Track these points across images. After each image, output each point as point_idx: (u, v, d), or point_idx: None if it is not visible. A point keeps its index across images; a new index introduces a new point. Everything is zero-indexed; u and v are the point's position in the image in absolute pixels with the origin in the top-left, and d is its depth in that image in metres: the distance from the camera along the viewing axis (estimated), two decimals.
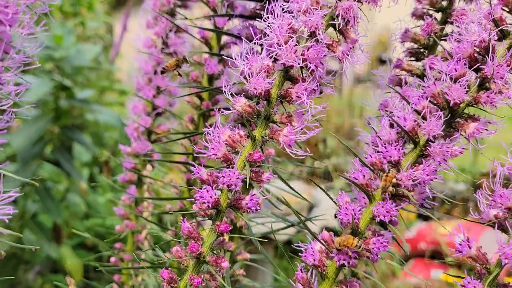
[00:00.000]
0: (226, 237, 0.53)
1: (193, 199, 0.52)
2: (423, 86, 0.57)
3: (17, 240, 2.06)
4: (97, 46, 2.98)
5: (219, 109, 0.54)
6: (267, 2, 0.65)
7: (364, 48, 0.55)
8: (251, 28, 0.67)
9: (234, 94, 0.54)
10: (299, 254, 0.58)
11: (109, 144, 3.16)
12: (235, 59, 0.53)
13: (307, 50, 0.50)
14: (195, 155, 0.53)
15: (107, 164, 3.01)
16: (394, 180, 0.53)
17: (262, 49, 0.53)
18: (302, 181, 3.60)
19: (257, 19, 0.68)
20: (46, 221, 2.31)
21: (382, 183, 0.53)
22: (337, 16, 0.51)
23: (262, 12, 0.68)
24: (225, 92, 0.54)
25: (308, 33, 0.51)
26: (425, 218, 3.45)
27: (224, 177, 0.50)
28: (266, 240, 0.68)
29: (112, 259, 0.95)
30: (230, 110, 0.55)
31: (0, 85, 0.39)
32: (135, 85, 0.94)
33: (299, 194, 0.66)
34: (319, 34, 0.50)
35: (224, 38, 0.83)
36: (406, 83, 0.64)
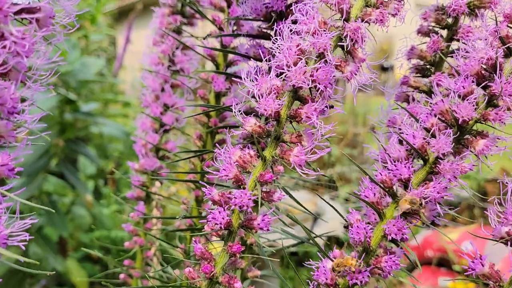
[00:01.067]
0: (238, 257, 0.54)
1: (205, 219, 0.52)
2: (431, 103, 0.57)
3: (23, 254, 2.06)
4: (100, 59, 3.01)
5: (229, 130, 0.55)
6: (274, 22, 0.66)
7: (371, 67, 0.56)
8: (258, 48, 0.68)
9: (243, 113, 0.55)
10: (304, 264, 0.59)
11: (114, 156, 3.18)
12: (244, 80, 0.54)
13: (316, 71, 0.51)
14: (207, 177, 0.53)
15: (112, 175, 3.03)
16: (408, 198, 0.53)
17: (270, 68, 0.54)
18: (307, 190, 3.60)
19: (264, 38, 0.68)
20: (51, 234, 2.32)
21: (403, 205, 0.53)
22: (345, 37, 0.51)
23: (269, 31, 0.69)
24: (235, 112, 0.54)
25: (317, 54, 0.51)
26: (432, 226, 3.42)
27: (236, 198, 0.51)
28: (275, 252, 0.69)
29: (122, 275, 0.96)
30: (239, 129, 0.55)
31: (16, 114, 0.40)
32: (143, 102, 0.94)
33: (306, 209, 0.67)
34: (327, 55, 0.50)
35: (231, 56, 0.84)
36: (413, 99, 0.64)
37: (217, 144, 0.63)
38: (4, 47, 0.35)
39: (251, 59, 0.68)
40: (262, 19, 0.66)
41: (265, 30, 0.68)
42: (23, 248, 0.40)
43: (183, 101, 0.93)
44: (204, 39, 0.74)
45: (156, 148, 0.94)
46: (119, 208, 2.75)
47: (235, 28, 0.81)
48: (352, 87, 0.53)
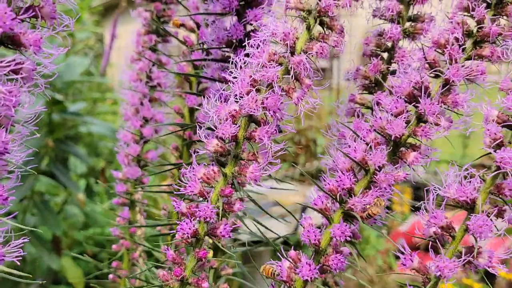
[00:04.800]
0: (206, 260, 0.62)
1: (175, 231, 0.60)
2: (372, 120, 0.66)
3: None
4: (86, 58, 3.05)
5: (194, 151, 0.63)
6: (235, 48, 0.74)
7: (318, 92, 0.64)
8: (222, 71, 0.76)
9: (210, 131, 0.63)
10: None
11: (104, 153, 3.24)
12: (205, 106, 0.62)
13: (266, 100, 0.59)
14: (176, 193, 0.61)
15: (103, 173, 3.09)
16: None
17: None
18: (295, 181, 3.70)
19: (227, 62, 0.76)
20: (45, 233, 2.38)
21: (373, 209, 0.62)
22: (291, 69, 0.59)
23: (231, 55, 0.77)
24: (199, 135, 0.63)
25: (266, 84, 0.59)
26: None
27: (200, 211, 0.59)
28: (240, 252, 0.77)
29: (110, 276, 1.04)
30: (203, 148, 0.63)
31: (7, 153, 0.48)
32: (123, 116, 1.02)
33: (265, 210, 0.75)
34: (274, 86, 0.58)
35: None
36: (358, 115, 0.73)
37: (189, 159, 0.71)
38: None
39: (216, 81, 0.76)
40: (224, 46, 0.74)
41: (228, 54, 0.76)
42: (18, 264, 0.48)
43: (161, 114, 1.01)
44: (176, 62, 0.81)
45: (138, 158, 1.02)
46: (112, 206, 2.82)
47: (204, 47, 0.88)
48: (299, 111, 0.61)
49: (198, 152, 0.64)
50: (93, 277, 1.06)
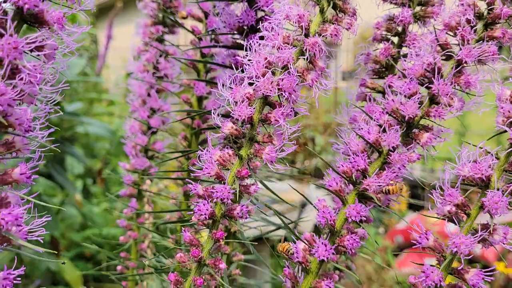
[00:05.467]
0: (222, 242, 0.62)
1: (192, 212, 0.60)
2: (384, 102, 0.66)
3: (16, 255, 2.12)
4: (82, 59, 3.05)
5: (210, 133, 0.63)
6: (246, 34, 0.74)
7: (331, 75, 0.64)
8: (234, 57, 0.76)
9: (222, 117, 0.63)
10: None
11: (101, 154, 3.23)
12: (221, 89, 0.62)
13: (282, 81, 0.59)
14: (192, 175, 0.62)
15: (100, 174, 3.08)
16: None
17: (244, 77, 0.62)
18: (294, 180, 3.70)
19: (238, 48, 0.76)
20: (43, 234, 2.37)
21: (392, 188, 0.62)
22: (305, 51, 0.60)
23: (242, 42, 0.77)
24: (214, 117, 0.63)
25: (282, 66, 0.60)
26: (417, 209, 3.58)
27: (217, 192, 0.59)
28: (256, 243, 0.77)
29: (119, 267, 1.04)
30: (219, 131, 0.64)
31: (30, 131, 0.48)
32: (131, 107, 1.02)
33: (281, 198, 0.76)
34: (290, 67, 0.59)
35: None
36: (370, 99, 0.73)
37: (199, 146, 0.71)
38: (21, 79, 0.43)
39: (228, 68, 0.76)
40: (235, 32, 0.74)
41: (239, 41, 0.77)
42: (42, 241, 0.48)
43: (168, 105, 1.01)
44: (183, 52, 0.82)
45: (145, 148, 1.02)
46: (110, 206, 2.82)
47: (212, 36, 0.89)
48: (314, 93, 0.62)
49: (212, 135, 0.64)
50: (96, 271, 1.06)
